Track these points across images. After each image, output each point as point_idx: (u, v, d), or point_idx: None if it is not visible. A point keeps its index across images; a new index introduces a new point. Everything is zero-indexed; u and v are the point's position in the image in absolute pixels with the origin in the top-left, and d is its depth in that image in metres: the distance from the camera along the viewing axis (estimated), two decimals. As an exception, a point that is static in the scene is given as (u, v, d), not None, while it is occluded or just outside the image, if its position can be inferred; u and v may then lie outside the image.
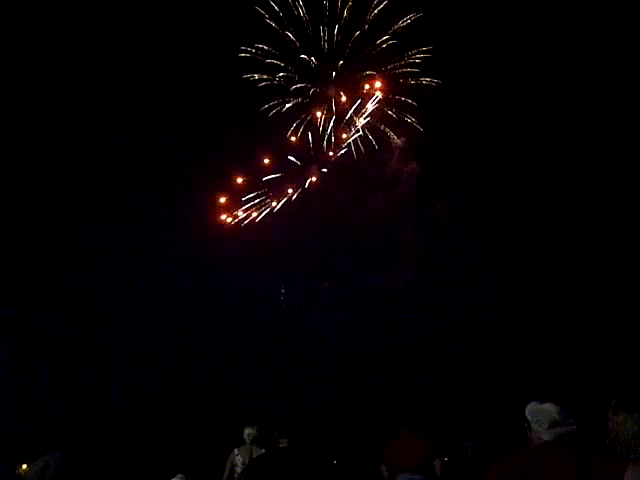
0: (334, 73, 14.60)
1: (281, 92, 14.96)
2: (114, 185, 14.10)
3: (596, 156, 13.07)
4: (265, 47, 14.41)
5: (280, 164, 15.98)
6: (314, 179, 15.96)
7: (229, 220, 15.81)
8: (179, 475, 6.44)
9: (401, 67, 14.46)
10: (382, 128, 15.27)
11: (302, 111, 15.25)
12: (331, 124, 15.21)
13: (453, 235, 15.15)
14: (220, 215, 15.82)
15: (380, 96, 14.59)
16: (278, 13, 14.19)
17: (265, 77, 14.56)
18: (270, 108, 14.90)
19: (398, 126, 15.14)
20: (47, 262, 13.16)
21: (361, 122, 15.04)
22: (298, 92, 14.92)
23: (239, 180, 15.87)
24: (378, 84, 14.43)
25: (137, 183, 14.11)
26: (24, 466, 11.42)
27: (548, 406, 2.34)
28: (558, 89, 13.08)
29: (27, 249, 12.83)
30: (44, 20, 11.81)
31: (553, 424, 2.28)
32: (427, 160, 15.03)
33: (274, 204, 16.01)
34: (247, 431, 5.35)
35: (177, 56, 13.41)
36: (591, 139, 13.11)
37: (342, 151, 15.62)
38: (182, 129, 14.31)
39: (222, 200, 15.95)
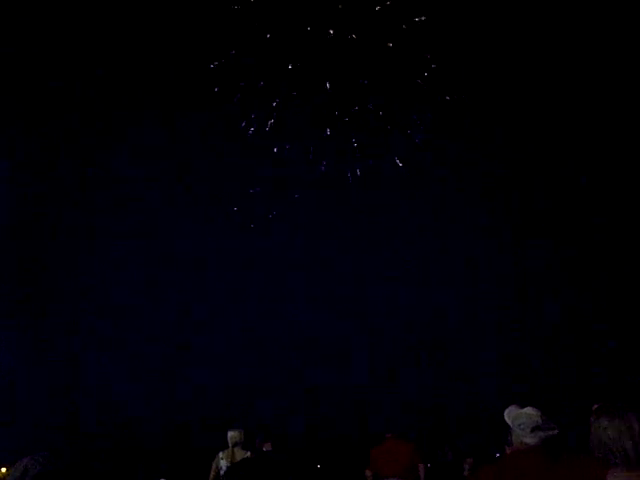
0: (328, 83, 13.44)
1: (264, 105, 13.81)
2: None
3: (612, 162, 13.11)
4: (244, 51, 12.76)
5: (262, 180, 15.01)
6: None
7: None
8: (162, 479, 6.42)
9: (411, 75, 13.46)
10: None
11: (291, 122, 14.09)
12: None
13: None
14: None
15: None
16: (259, 10, 12.18)
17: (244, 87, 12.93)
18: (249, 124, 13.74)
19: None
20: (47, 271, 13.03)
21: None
22: (284, 104, 13.79)
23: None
24: None
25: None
26: (3, 469, 11.25)
27: (530, 410, 2.38)
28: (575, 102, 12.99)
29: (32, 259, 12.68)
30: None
31: (536, 428, 2.31)
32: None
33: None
34: (230, 434, 5.35)
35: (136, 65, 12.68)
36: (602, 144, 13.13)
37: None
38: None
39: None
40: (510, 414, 2.44)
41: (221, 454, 5.36)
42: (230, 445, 5.31)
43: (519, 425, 2.35)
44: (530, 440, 2.31)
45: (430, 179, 14.65)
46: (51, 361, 11.99)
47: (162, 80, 12.83)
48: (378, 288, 15.04)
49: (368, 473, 6.17)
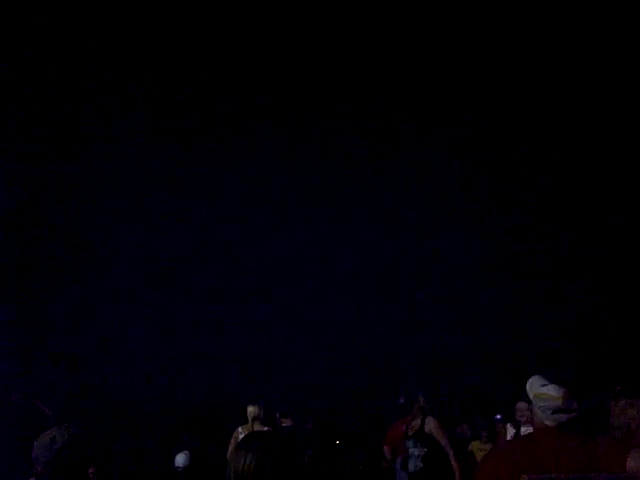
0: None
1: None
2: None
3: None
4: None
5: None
6: None
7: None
8: (185, 451, 6.57)
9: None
10: None
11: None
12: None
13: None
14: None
15: None
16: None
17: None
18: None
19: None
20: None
21: None
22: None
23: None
24: None
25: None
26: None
27: (552, 392, 2.31)
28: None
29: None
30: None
31: (557, 411, 2.27)
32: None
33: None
34: (249, 409, 5.46)
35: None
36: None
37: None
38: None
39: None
40: (532, 389, 2.38)
41: (240, 429, 5.48)
42: (249, 420, 5.42)
43: (540, 407, 2.31)
44: (550, 422, 2.28)
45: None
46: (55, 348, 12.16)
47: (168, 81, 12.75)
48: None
49: (386, 449, 6.23)
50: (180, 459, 6.44)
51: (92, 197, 13.43)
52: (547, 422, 2.29)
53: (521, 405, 4.76)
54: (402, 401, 5.79)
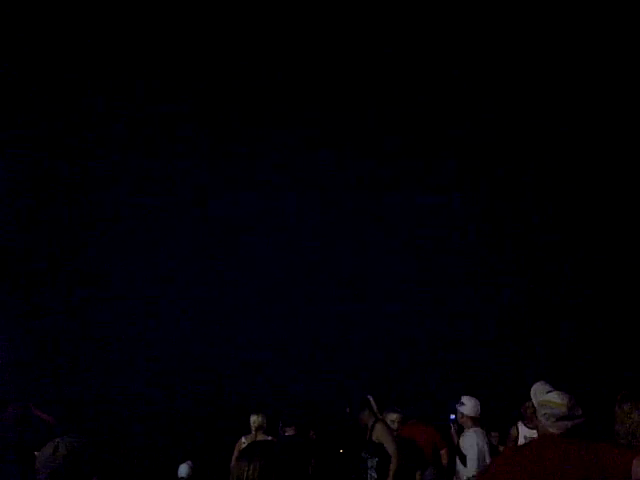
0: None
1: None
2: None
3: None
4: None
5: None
6: None
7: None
8: (188, 461, 6.55)
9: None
10: None
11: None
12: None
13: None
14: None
15: None
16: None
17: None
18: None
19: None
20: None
21: None
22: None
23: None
24: None
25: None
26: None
27: (557, 398, 2.30)
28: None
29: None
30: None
31: (561, 418, 2.26)
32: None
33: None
34: (253, 418, 5.45)
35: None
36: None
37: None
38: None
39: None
40: (536, 396, 2.37)
41: (244, 438, 5.47)
42: (253, 429, 5.41)
43: (544, 414, 2.29)
44: (555, 430, 2.27)
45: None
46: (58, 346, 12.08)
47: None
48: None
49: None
50: (183, 469, 6.41)
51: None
52: (551, 429, 2.28)
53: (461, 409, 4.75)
54: (348, 410, 5.61)
